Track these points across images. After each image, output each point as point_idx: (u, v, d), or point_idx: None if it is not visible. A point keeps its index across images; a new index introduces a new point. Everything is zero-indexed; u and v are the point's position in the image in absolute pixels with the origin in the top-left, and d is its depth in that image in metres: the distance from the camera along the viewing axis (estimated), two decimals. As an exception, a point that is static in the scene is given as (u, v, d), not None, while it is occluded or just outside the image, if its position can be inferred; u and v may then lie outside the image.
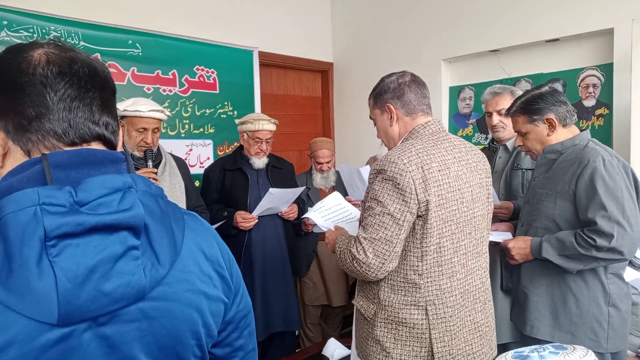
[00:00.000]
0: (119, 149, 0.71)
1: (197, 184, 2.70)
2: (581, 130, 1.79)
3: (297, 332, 3.13)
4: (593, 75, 2.94)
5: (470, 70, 3.53)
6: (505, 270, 2.09)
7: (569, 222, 1.68)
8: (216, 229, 0.81)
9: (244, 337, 0.78)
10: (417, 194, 1.31)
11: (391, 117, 1.49)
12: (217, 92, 3.36)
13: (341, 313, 3.24)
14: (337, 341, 2.43)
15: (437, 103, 3.54)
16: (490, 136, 2.44)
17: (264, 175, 2.64)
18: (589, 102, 2.97)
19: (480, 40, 3.31)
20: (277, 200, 2.48)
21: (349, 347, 2.31)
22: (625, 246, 1.55)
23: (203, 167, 3.02)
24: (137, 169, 1.98)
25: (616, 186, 1.57)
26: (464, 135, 3.58)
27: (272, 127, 2.60)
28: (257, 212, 2.47)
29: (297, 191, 2.55)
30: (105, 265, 0.57)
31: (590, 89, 2.95)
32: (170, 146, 2.81)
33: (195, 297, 0.67)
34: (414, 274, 1.36)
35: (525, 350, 0.98)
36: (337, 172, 3.09)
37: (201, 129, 3.27)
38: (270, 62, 3.82)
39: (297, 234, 2.88)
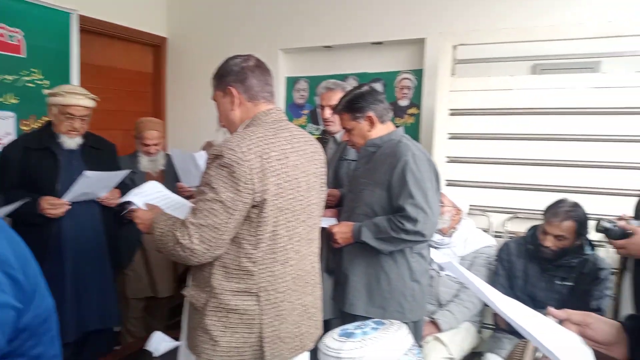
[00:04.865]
0: None
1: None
2: (397, 127, 2.00)
3: (119, 329, 2.89)
4: (407, 79, 3.34)
5: (305, 62, 3.67)
6: (330, 252, 2.25)
7: (384, 209, 1.87)
8: (17, 219, 0.68)
9: (43, 344, 0.68)
10: (253, 184, 1.30)
11: (233, 101, 1.46)
12: (24, 56, 2.86)
13: (167, 304, 3.09)
14: (162, 334, 2.31)
15: (273, 91, 3.60)
16: (322, 127, 2.57)
17: (79, 157, 2.32)
18: (404, 102, 3.37)
19: (314, 35, 3.46)
20: (95, 184, 2.22)
21: (177, 339, 2.22)
22: (427, 229, 1.78)
23: (2, 144, 2.55)
24: None
25: (422, 178, 1.80)
26: (298, 125, 3.72)
27: (89, 103, 2.29)
28: (68, 198, 2.16)
29: (118, 174, 2.32)
30: None
31: (405, 91, 3.36)
32: (-46, 116, 2.30)
33: None
34: (248, 262, 1.36)
35: (350, 327, 1.08)
36: (167, 156, 2.91)
37: (0, 99, 2.75)
38: (92, 29, 3.39)
39: (119, 222, 2.63)
